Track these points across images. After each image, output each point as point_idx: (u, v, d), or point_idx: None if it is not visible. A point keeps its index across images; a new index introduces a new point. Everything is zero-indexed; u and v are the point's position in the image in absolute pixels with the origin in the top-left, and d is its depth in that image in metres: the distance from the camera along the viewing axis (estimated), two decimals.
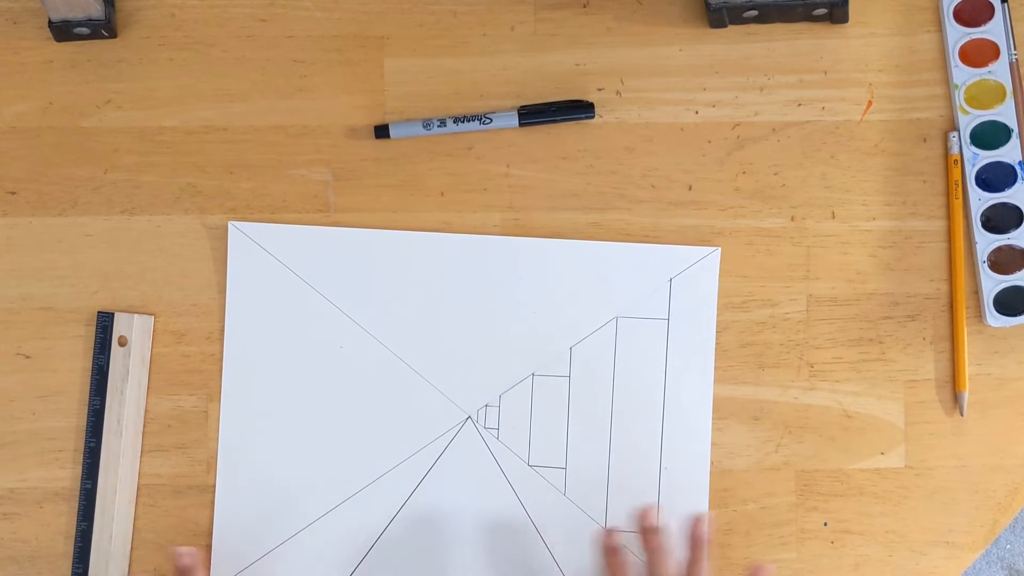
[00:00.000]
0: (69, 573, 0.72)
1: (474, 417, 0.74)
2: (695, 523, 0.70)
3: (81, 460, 0.72)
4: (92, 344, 0.73)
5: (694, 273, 0.74)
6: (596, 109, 0.74)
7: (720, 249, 0.74)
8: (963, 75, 0.74)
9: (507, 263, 0.74)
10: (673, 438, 0.73)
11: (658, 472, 0.73)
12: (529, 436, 0.73)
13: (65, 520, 0.73)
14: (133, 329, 0.72)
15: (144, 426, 0.73)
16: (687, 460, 0.73)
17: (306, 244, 0.73)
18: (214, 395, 0.73)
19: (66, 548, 0.73)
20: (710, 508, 0.73)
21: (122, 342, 0.72)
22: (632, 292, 0.74)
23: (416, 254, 0.74)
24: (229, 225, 0.73)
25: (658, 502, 0.73)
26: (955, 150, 0.74)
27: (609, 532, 0.71)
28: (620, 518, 0.73)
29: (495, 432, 0.73)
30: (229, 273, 0.73)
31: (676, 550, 0.69)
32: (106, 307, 0.73)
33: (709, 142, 0.75)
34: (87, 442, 0.72)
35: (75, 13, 0.72)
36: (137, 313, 0.73)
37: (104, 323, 0.72)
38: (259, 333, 0.73)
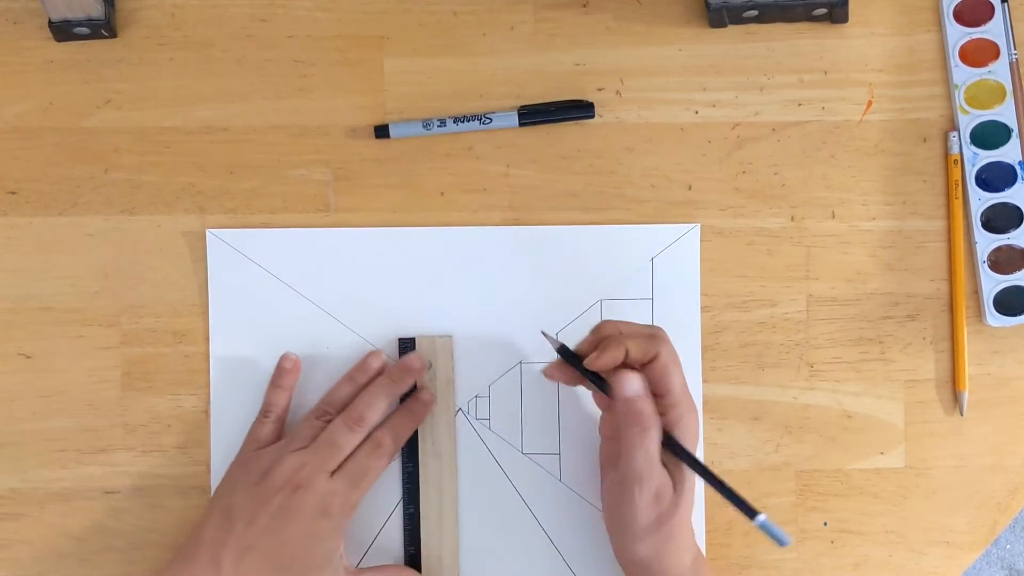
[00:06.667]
0: (70, 573, 0.73)
1: (464, 409, 0.74)
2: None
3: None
4: (92, 344, 0.73)
5: (675, 251, 0.74)
6: (596, 109, 0.74)
7: (700, 225, 0.74)
8: (963, 75, 0.74)
9: (487, 254, 0.73)
10: None
11: None
12: (521, 424, 0.73)
13: (67, 520, 0.73)
14: (436, 351, 0.73)
15: (145, 425, 0.73)
16: None
17: (286, 247, 0.73)
18: None
19: (68, 548, 0.73)
20: (710, 508, 0.73)
21: (426, 365, 0.72)
22: (615, 274, 0.74)
23: (396, 250, 0.73)
24: (207, 233, 0.73)
25: None
26: (955, 150, 0.74)
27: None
28: None
29: (487, 423, 0.73)
30: (210, 279, 0.73)
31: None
32: (105, 307, 0.73)
33: (709, 142, 0.75)
34: (404, 467, 0.72)
35: (75, 13, 0.72)
36: (438, 336, 0.73)
37: (406, 348, 0.73)
38: (244, 338, 0.73)
